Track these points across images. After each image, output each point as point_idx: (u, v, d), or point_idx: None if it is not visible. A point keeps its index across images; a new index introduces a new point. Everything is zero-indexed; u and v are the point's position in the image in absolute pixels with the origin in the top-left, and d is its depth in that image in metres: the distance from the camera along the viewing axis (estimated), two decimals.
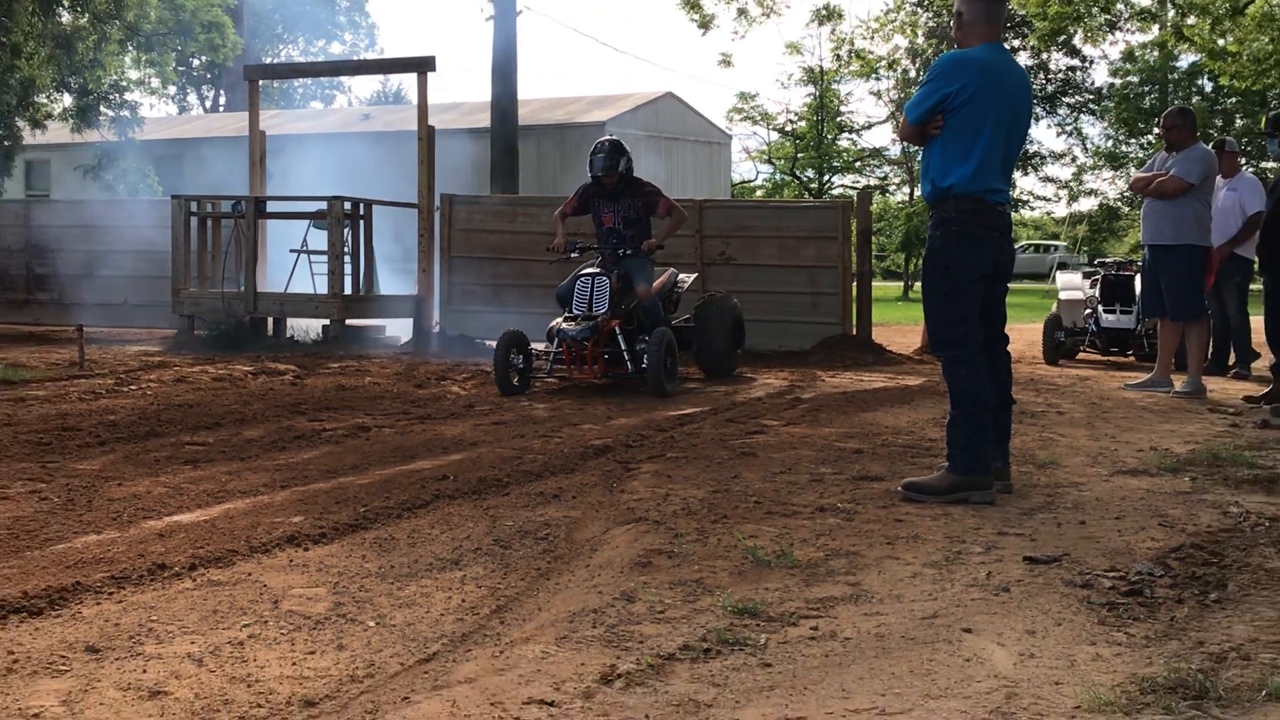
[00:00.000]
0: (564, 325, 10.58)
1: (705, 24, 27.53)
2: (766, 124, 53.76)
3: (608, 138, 11.42)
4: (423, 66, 16.29)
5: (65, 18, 23.69)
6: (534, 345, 10.90)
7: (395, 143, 27.58)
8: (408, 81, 65.75)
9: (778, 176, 55.48)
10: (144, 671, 3.50)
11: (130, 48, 25.70)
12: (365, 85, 79.74)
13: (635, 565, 4.63)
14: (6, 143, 23.75)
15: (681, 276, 12.24)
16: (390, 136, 29.59)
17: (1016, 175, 50.14)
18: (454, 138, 28.08)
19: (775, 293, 14.93)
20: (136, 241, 17.83)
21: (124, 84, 26.44)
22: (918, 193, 50.67)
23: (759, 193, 55.61)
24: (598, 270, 10.88)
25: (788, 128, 53.37)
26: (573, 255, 11.27)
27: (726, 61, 50.87)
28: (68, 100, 25.37)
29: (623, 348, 10.67)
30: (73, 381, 10.98)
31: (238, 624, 3.95)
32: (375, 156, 26.67)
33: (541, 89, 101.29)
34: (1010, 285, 6.46)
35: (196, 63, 54.24)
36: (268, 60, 58.42)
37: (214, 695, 3.33)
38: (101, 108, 24.97)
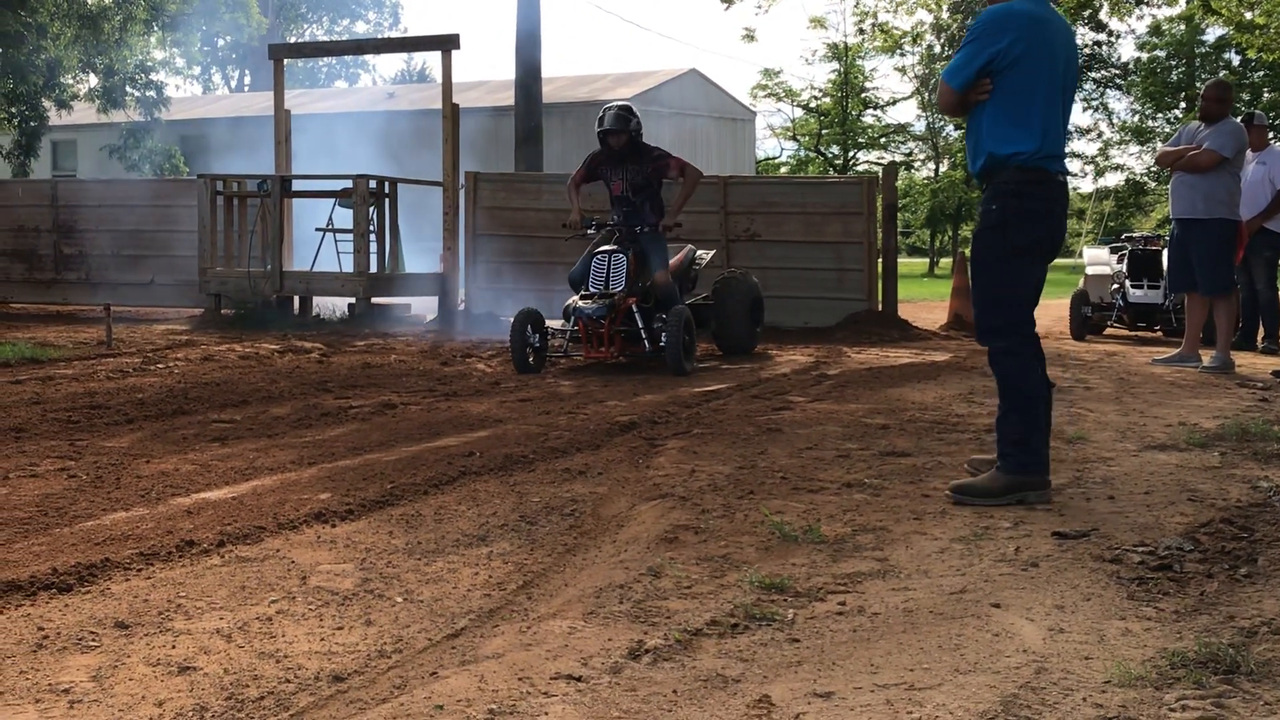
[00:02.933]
0: (580, 303, 10.46)
1: None
2: (791, 100, 53.61)
3: (618, 102, 11.27)
4: (447, 44, 16.26)
5: None
6: (551, 324, 10.81)
7: (420, 121, 27.59)
8: (432, 60, 65.91)
9: (802, 153, 55.33)
10: (173, 647, 3.52)
11: (155, 28, 25.75)
12: (389, 64, 79.75)
13: (662, 541, 4.63)
14: (33, 123, 23.86)
15: (700, 253, 12.12)
16: (415, 115, 29.59)
17: None
18: (478, 116, 28.08)
19: (800, 269, 14.90)
20: (163, 221, 17.89)
21: (149, 64, 26.51)
22: (943, 168, 50.57)
23: (783, 169, 55.48)
24: (614, 247, 10.71)
25: (812, 104, 53.20)
26: (589, 231, 11.10)
27: (750, 37, 50.46)
28: (93, 81, 25.46)
29: (640, 326, 10.49)
30: (101, 360, 11.03)
31: (266, 600, 3.96)
32: (400, 135, 26.66)
33: (566, 67, 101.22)
34: None
35: (221, 42, 54.36)
36: (292, 40, 58.46)
37: (243, 670, 3.34)
38: (127, 88, 25.04)
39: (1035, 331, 5.48)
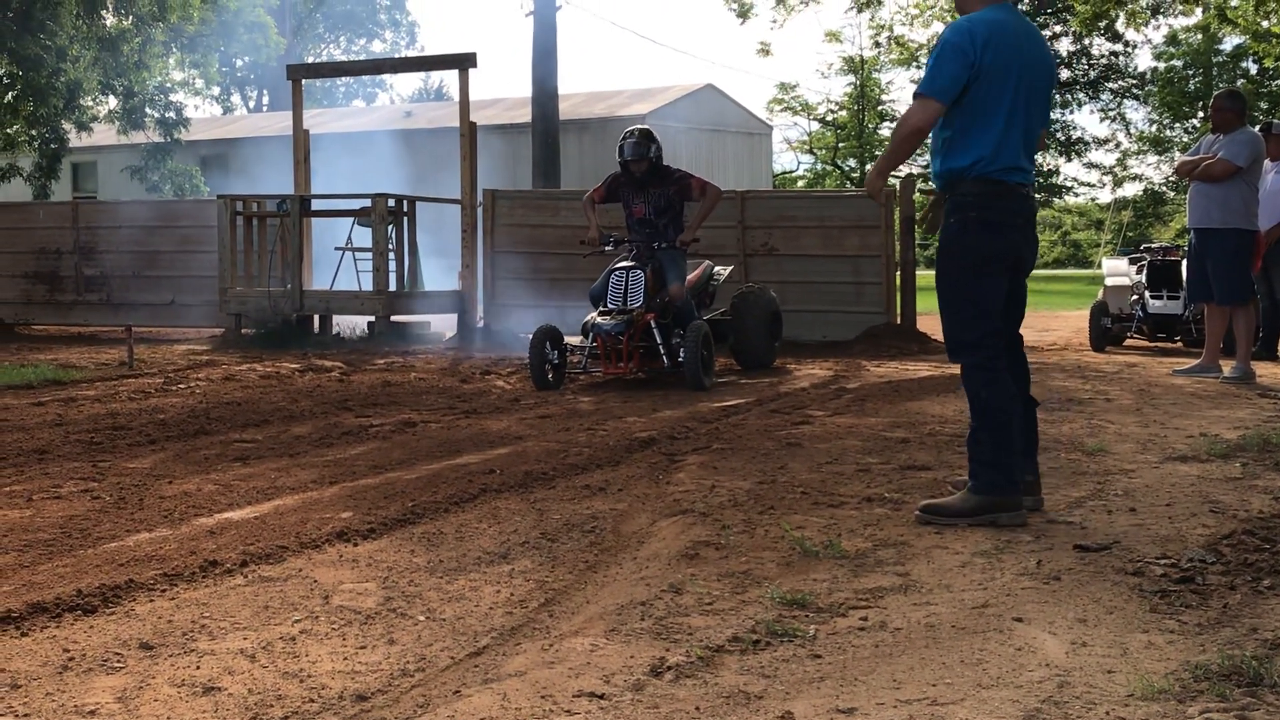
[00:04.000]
0: (599, 319, 10.47)
1: (744, 13, 27.46)
2: (807, 114, 53.65)
3: (639, 125, 11.33)
4: (464, 63, 16.32)
5: (109, 20, 23.89)
6: (570, 340, 10.83)
7: (438, 139, 27.68)
8: (449, 78, 66.09)
9: (819, 166, 55.36)
10: (197, 668, 3.53)
11: (174, 49, 25.89)
12: (407, 83, 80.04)
13: (683, 557, 4.64)
14: (54, 145, 23.98)
15: (718, 269, 12.13)
16: (432, 133, 29.69)
17: (1060, 162, 49.78)
18: (496, 133, 28.16)
19: (818, 283, 14.89)
20: (183, 241, 17.97)
21: (168, 85, 26.64)
22: None
23: (800, 183, 55.51)
24: (632, 264, 10.72)
25: (828, 117, 53.25)
26: (607, 248, 11.15)
27: (766, 51, 50.42)
28: (113, 102, 25.60)
29: (658, 341, 10.51)
30: (122, 381, 11.08)
31: (289, 619, 3.98)
32: (418, 153, 26.75)
33: (582, 83, 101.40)
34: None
35: (239, 63, 54.60)
36: (310, 60, 58.69)
37: (267, 690, 3.36)
38: (147, 109, 25.17)
39: (1002, 347, 5.30)
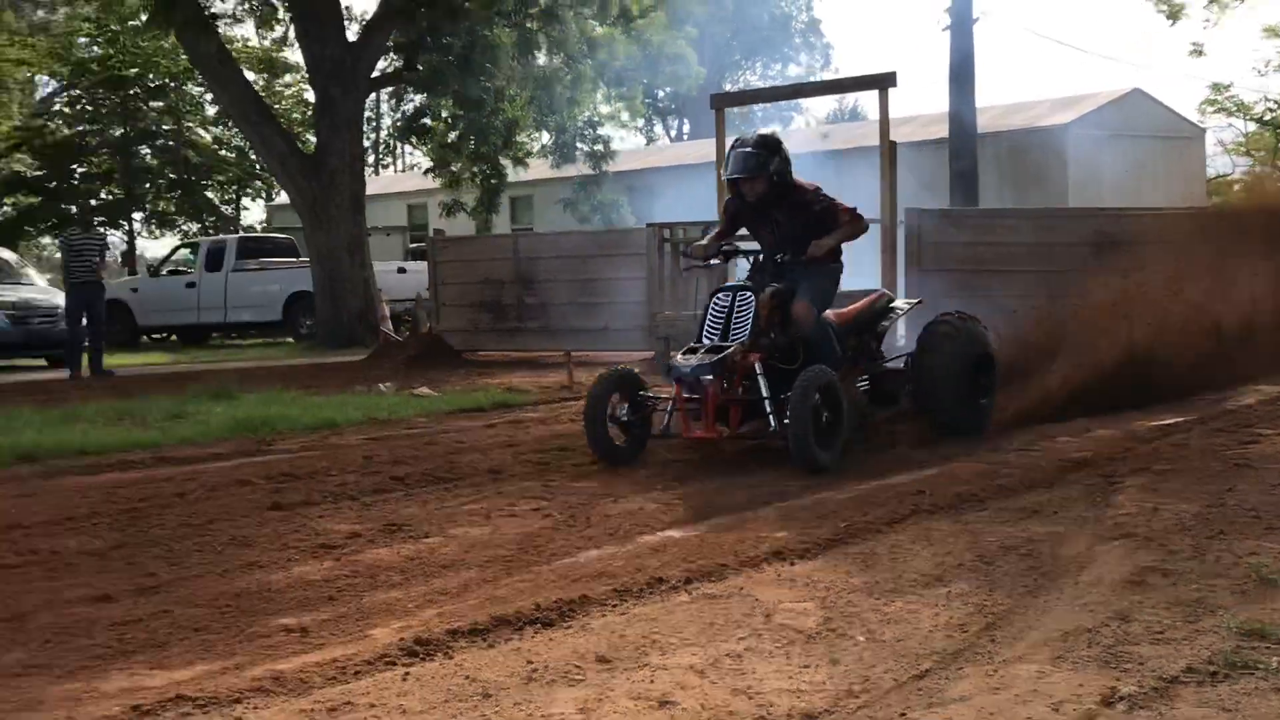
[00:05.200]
0: (678, 359, 7.79)
1: (1174, 14, 26.34)
2: (1243, 115, 50.74)
3: (756, 132, 8.60)
4: (884, 83, 16.32)
5: (542, 60, 25.19)
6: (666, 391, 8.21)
7: (855, 160, 27.73)
8: (863, 98, 65.98)
9: (1258, 169, 52.21)
10: (652, 681, 3.69)
11: (601, 84, 27.03)
12: (821, 105, 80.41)
13: (1127, 583, 4.52)
14: (494, 180, 25.45)
15: (898, 303, 9.18)
16: (850, 153, 29.76)
17: None
18: (910, 150, 27.96)
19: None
20: (613, 269, 18.68)
21: (596, 119, 27.81)
22: None
23: (1236, 187, 52.50)
24: (741, 283, 8.12)
25: (1266, 117, 50.19)
26: (713, 263, 8.64)
27: (1198, 52, 48.07)
28: (546, 138, 26.98)
29: (764, 395, 7.61)
30: (564, 403, 11.63)
31: (734, 636, 4.10)
32: (836, 174, 26.87)
33: (999, 95, 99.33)
34: None
35: (661, 94, 56.36)
36: (728, 87, 59.92)
37: (718, 706, 3.48)
38: (577, 143, 26.39)
39: None
